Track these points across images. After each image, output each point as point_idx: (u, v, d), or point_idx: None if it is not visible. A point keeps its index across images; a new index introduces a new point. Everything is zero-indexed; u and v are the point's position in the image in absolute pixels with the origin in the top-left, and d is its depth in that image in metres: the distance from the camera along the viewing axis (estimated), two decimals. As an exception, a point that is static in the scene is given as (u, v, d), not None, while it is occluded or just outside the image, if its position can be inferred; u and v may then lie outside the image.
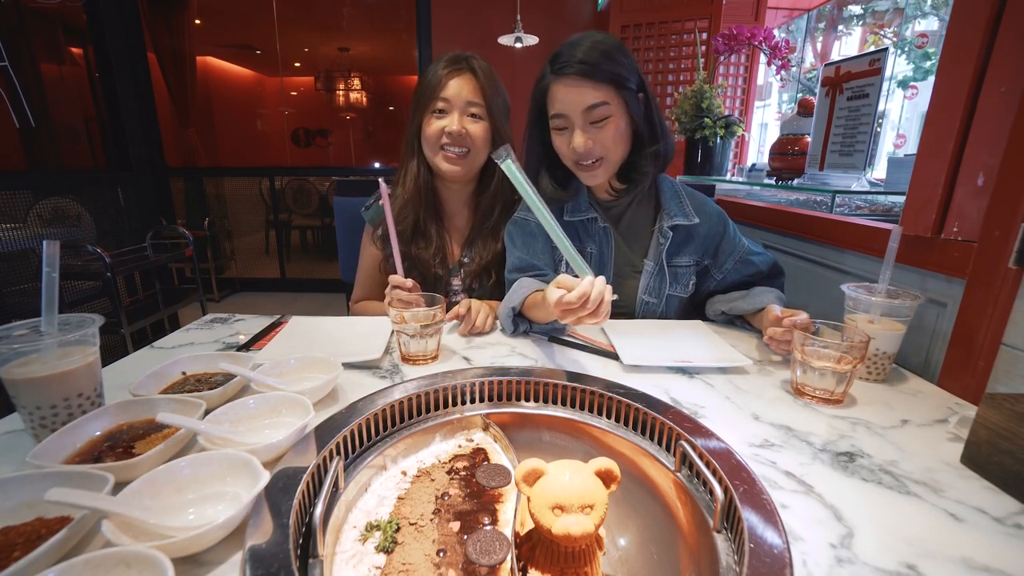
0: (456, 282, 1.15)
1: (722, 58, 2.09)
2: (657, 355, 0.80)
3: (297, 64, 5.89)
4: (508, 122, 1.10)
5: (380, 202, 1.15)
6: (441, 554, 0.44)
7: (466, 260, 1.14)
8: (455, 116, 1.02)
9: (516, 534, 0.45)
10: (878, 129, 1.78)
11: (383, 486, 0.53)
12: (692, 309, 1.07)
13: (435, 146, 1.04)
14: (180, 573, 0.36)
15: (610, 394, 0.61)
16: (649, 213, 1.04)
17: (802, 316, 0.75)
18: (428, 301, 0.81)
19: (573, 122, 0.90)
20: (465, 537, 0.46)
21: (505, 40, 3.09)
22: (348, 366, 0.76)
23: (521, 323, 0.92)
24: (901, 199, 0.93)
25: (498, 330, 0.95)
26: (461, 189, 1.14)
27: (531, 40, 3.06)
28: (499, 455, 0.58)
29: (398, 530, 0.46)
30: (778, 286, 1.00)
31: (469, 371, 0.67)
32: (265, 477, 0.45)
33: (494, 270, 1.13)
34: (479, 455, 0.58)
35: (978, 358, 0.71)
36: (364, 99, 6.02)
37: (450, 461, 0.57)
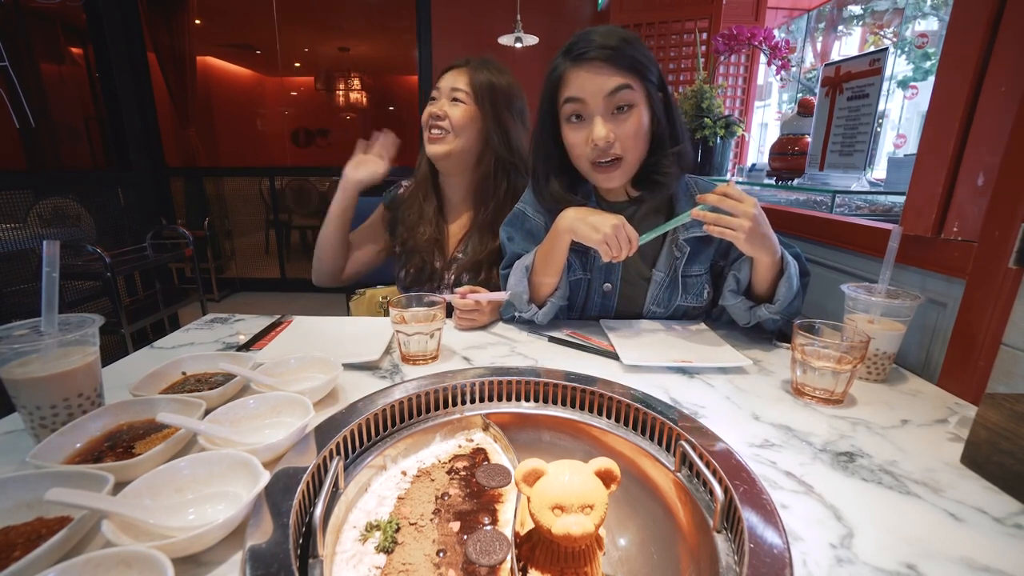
0: (450, 276, 1.16)
1: (722, 58, 2.10)
2: (657, 355, 0.80)
3: (297, 64, 5.90)
4: (513, 117, 1.11)
5: (400, 191, 1.25)
6: (441, 554, 0.44)
7: (460, 256, 1.16)
8: (441, 101, 1.09)
9: (516, 534, 0.45)
10: (878, 129, 1.78)
11: (383, 486, 0.53)
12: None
13: (426, 131, 1.10)
14: (180, 573, 0.36)
15: (610, 394, 0.61)
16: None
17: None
18: (426, 302, 0.81)
19: (592, 110, 0.82)
20: (465, 537, 0.46)
21: (505, 40, 3.09)
22: (348, 366, 0.76)
23: (528, 308, 0.93)
24: (901, 199, 0.93)
25: (497, 329, 0.95)
26: (457, 182, 1.17)
27: (531, 40, 3.06)
28: (499, 455, 0.58)
29: (398, 530, 0.46)
30: (801, 286, 0.88)
31: (469, 371, 0.67)
32: (265, 477, 0.45)
33: (484, 268, 1.14)
34: (479, 455, 0.58)
35: (978, 358, 0.71)
36: (364, 99, 6.03)
37: (450, 461, 0.57)
